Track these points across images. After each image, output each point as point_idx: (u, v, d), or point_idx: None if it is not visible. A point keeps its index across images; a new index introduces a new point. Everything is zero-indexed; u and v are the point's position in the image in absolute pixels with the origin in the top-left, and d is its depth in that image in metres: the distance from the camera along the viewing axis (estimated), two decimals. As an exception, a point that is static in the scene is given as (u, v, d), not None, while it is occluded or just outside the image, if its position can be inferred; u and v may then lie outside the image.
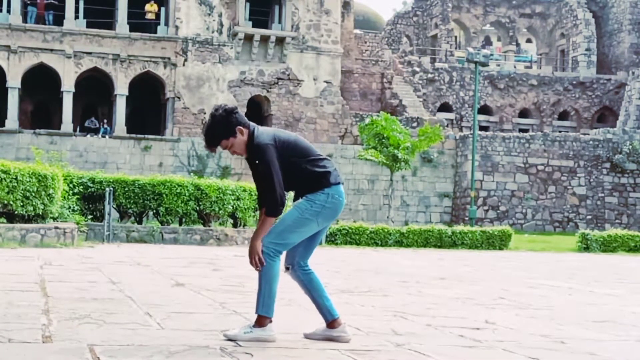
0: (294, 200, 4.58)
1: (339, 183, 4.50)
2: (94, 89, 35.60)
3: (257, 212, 4.50)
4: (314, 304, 4.65)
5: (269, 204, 4.36)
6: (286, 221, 4.43)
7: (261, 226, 4.40)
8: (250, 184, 18.51)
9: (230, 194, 17.96)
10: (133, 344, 4.22)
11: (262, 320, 4.44)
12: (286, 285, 8.12)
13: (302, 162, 4.43)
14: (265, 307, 4.42)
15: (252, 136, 4.41)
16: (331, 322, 4.61)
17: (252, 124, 4.48)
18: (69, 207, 16.15)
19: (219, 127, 4.38)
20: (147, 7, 34.91)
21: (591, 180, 36.66)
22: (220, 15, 35.00)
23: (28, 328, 4.57)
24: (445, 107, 42.08)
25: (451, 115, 41.75)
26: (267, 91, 35.41)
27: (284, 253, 4.53)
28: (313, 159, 4.46)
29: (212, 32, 34.87)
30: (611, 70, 45.30)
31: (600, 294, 9.12)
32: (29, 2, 34.26)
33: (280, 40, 35.24)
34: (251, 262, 4.40)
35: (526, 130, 41.62)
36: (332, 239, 20.79)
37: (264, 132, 4.43)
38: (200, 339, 4.48)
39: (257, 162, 4.35)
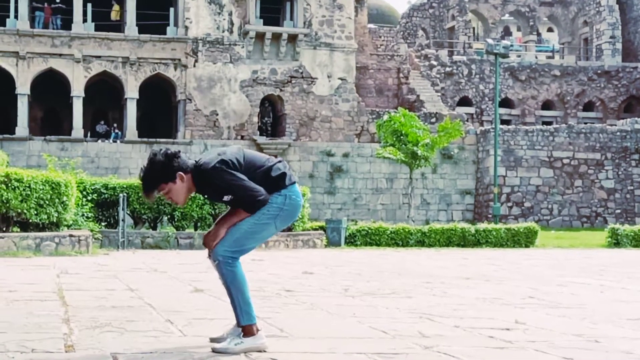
0: None
1: (294, 182, 4.34)
2: (104, 94, 35.58)
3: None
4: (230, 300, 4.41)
5: (247, 206, 4.21)
6: (242, 228, 4.24)
7: (234, 215, 4.25)
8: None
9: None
10: (156, 352, 4.23)
11: (250, 329, 4.27)
12: (306, 290, 8.03)
13: (259, 172, 4.24)
14: (247, 316, 4.26)
15: (199, 172, 4.16)
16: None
17: (191, 162, 4.23)
18: (83, 215, 16.14)
19: (158, 172, 4.15)
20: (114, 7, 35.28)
21: (619, 172, 35.88)
22: (230, 14, 34.80)
23: (50, 338, 4.59)
24: (464, 101, 41.53)
25: (471, 110, 41.22)
26: (280, 90, 35.20)
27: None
28: (268, 165, 4.28)
29: (223, 31, 34.68)
30: (637, 58, 44.25)
31: (633, 291, 8.93)
32: (36, 7, 34.36)
33: (292, 38, 35.02)
34: (206, 245, 4.26)
35: (550, 123, 40.71)
36: (351, 241, 20.63)
37: (209, 160, 4.17)
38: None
39: (218, 187, 4.13)
